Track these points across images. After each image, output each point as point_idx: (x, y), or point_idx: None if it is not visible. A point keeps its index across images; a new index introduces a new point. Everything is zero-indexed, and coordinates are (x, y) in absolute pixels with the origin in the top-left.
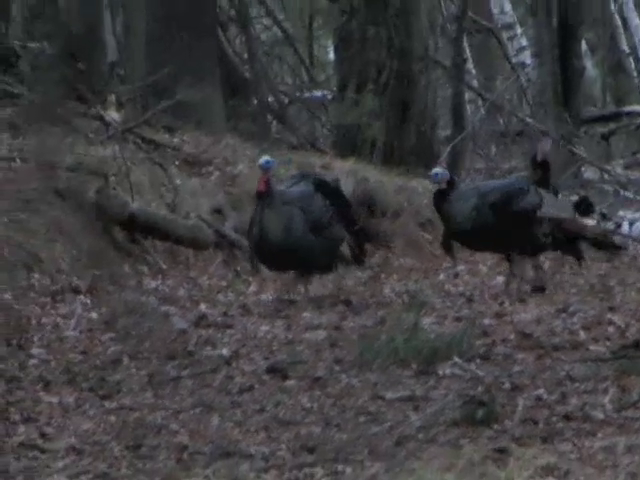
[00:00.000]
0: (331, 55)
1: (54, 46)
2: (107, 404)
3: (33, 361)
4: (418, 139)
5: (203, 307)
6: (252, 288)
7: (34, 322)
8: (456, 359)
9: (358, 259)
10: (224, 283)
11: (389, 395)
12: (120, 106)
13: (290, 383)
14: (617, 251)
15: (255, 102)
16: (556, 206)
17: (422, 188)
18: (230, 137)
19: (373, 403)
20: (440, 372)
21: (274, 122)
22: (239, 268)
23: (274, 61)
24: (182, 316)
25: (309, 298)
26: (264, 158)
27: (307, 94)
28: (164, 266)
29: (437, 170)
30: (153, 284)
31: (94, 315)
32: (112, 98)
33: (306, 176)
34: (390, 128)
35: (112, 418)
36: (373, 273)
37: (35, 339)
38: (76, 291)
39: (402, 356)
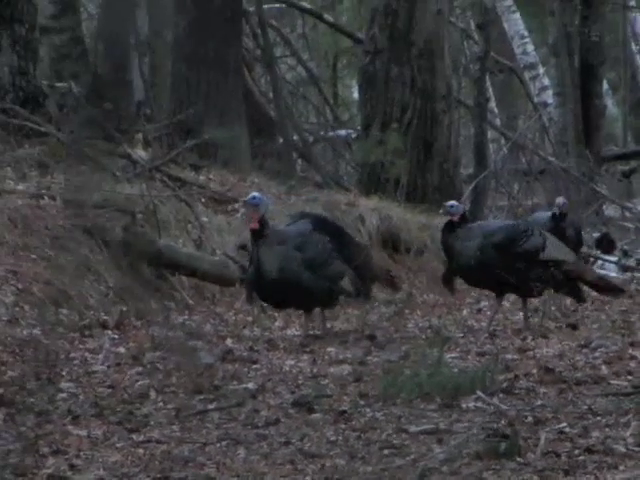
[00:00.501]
0: (355, 94)
1: (81, 86)
2: (135, 437)
3: (62, 395)
4: (441, 177)
5: (229, 342)
6: (278, 323)
7: (63, 357)
8: (479, 393)
9: (362, 293)
10: (250, 318)
11: (413, 428)
12: (147, 144)
13: (315, 416)
14: (618, 294)
15: (280, 141)
16: (559, 249)
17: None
18: (255, 175)
19: (397, 436)
20: (464, 406)
21: (299, 160)
22: (265, 304)
23: (299, 100)
24: (209, 351)
25: (334, 333)
26: (251, 194)
27: (331, 133)
28: (191, 302)
29: (453, 202)
30: (180, 319)
31: (122, 350)
32: (139, 137)
33: (305, 215)
34: (414, 166)
35: (140, 451)
36: (397, 309)
37: (64, 373)
38: (104, 326)
39: (426, 390)
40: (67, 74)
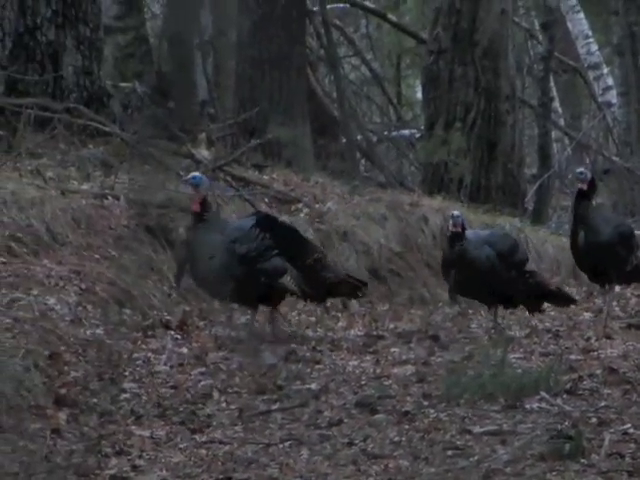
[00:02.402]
0: (419, 94)
1: (145, 85)
2: (198, 438)
3: (125, 395)
4: (505, 177)
5: (293, 342)
6: (341, 324)
7: (126, 357)
8: (543, 394)
9: (307, 295)
10: (313, 319)
11: (477, 429)
12: (210, 144)
13: (379, 417)
14: (571, 304)
15: (344, 141)
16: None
17: (509, 226)
18: (319, 175)
19: (461, 437)
20: (527, 407)
21: (362, 160)
22: (328, 304)
23: (362, 100)
24: (272, 351)
25: (397, 333)
26: (192, 174)
27: (395, 133)
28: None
29: (457, 212)
30: (243, 319)
31: (185, 350)
32: (203, 136)
33: (256, 213)
34: (477, 166)
35: (202, 451)
36: (461, 309)
37: (127, 373)
38: (167, 326)
39: (490, 391)
40: (131, 74)
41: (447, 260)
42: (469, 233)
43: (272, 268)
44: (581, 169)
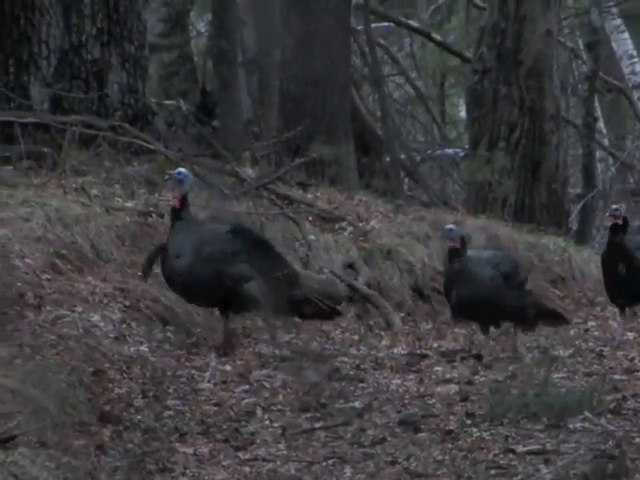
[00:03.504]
0: (462, 113)
1: (189, 103)
2: (241, 455)
3: (169, 412)
4: (549, 197)
5: (336, 360)
6: (384, 342)
7: (170, 374)
8: (587, 413)
9: (271, 306)
10: (356, 337)
11: (520, 449)
12: (255, 162)
13: (422, 436)
14: (565, 323)
15: (387, 159)
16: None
17: (553, 245)
18: (363, 194)
19: (504, 456)
20: (571, 426)
21: (406, 179)
22: (372, 322)
23: (406, 119)
24: (315, 369)
25: (441, 352)
26: (178, 170)
27: (439, 151)
28: (298, 320)
29: (451, 226)
30: (286, 337)
31: (228, 367)
32: (247, 155)
33: (233, 223)
34: (521, 186)
35: (246, 469)
36: (504, 328)
37: (171, 391)
38: (211, 344)
39: (533, 410)
40: (175, 92)
41: (447, 278)
42: (471, 252)
43: (237, 273)
44: (616, 206)
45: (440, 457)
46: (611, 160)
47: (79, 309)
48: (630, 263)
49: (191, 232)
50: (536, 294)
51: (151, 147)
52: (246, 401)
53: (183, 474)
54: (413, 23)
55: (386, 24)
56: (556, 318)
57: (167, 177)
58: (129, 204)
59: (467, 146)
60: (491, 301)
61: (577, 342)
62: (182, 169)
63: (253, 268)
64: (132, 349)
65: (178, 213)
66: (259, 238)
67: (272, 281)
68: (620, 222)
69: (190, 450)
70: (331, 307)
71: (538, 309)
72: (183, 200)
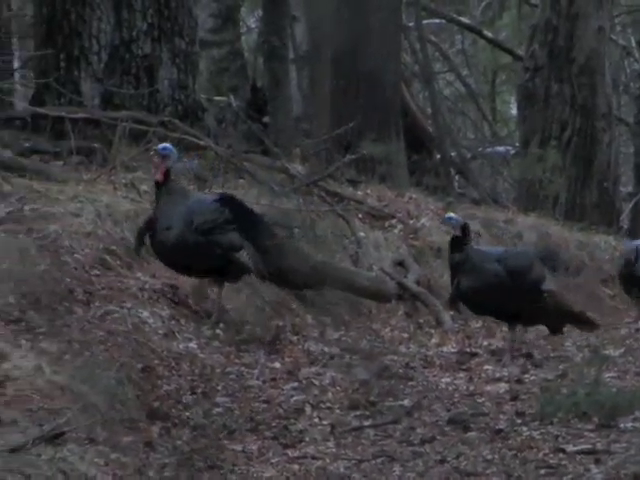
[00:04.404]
0: (513, 111)
1: (240, 100)
2: (290, 453)
3: (217, 409)
4: (600, 195)
5: (385, 358)
6: (434, 340)
7: (218, 371)
8: (637, 413)
9: (261, 275)
10: (406, 335)
11: (570, 448)
12: (305, 159)
13: (471, 435)
14: (594, 328)
15: (438, 157)
16: (551, 280)
17: (604, 244)
18: (413, 191)
19: (554, 456)
20: (621, 426)
21: (457, 177)
22: (421, 320)
23: (457, 116)
24: (364, 367)
25: (491, 351)
26: (163, 145)
27: (490, 149)
28: (347, 317)
29: (451, 215)
30: (336, 335)
31: (277, 365)
32: (297, 151)
33: (224, 193)
34: (572, 184)
35: (295, 467)
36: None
37: (219, 388)
38: (260, 341)
39: (583, 410)
40: (226, 88)
41: (450, 266)
42: (483, 248)
43: (227, 241)
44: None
45: (489, 456)
46: None
47: (128, 305)
48: None
49: (178, 204)
50: (560, 296)
51: (201, 143)
52: (295, 398)
53: (232, 471)
54: (465, 20)
55: (437, 21)
56: (583, 322)
57: (152, 152)
58: None
59: (518, 144)
60: (492, 296)
61: (628, 341)
62: (167, 144)
63: (242, 237)
64: (181, 346)
65: (162, 186)
66: (247, 208)
67: (261, 250)
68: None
69: (239, 447)
70: (320, 281)
71: (562, 311)
72: (167, 174)
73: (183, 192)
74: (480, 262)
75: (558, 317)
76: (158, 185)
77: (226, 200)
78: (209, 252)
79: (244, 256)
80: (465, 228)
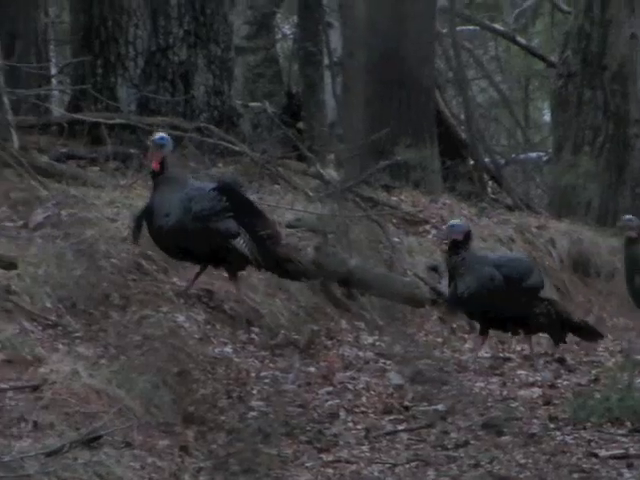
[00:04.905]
0: (546, 117)
1: (275, 105)
2: (324, 457)
3: (253, 413)
4: (633, 201)
5: (419, 363)
6: (467, 345)
7: (253, 375)
8: None
9: (258, 263)
10: (440, 340)
11: (603, 453)
12: (339, 165)
13: (505, 439)
14: (598, 339)
15: (472, 163)
16: (549, 288)
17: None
18: (447, 197)
19: (587, 461)
20: None
21: (490, 183)
22: (455, 325)
23: (490, 122)
24: (399, 371)
25: (524, 356)
26: (159, 134)
27: (523, 155)
28: (381, 322)
29: (455, 222)
30: (370, 340)
31: (312, 369)
32: (331, 157)
33: (221, 181)
34: (605, 190)
35: (329, 471)
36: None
37: (255, 392)
38: (294, 345)
39: (616, 415)
40: (261, 94)
41: (447, 269)
42: (482, 253)
43: (225, 228)
44: (630, 216)
45: (523, 460)
46: None
47: (164, 310)
48: None
49: (176, 191)
50: (561, 305)
51: (236, 149)
52: (329, 403)
53: (267, 475)
54: (498, 26)
55: (471, 27)
56: (586, 332)
57: (149, 142)
58: None
59: (551, 150)
60: (488, 300)
61: None
62: (163, 134)
63: (239, 225)
64: (217, 350)
65: (159, 175)
66: (244, 196)
67: (257, 238)
68: (634, 235)
69: (274, 451)
70: (312, 271)
71: (563, 320)
72: (163, 162)
73: (181, 180)
74: (476, 265)
75: (559, 326)
76: (155, 174)
77: (224, 188)
78: (206, 238)
79: (240, 244)
80: (468, 233)
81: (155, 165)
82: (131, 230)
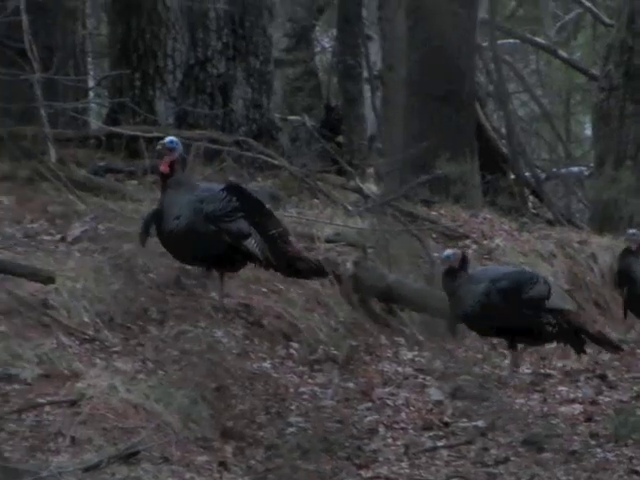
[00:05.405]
0: (587, 131)
1: (314, 119)
2: (363, 473)
3: (291, 429)
4: None
5: (459, 379)
6: (507, 361)
7: (292, 391)
8: None
9: (269, 263)
10: (480, 355)
11: None
12: (379, 179)
13: (546, 456)
14: (614, 350)
15: (512, 177)
16: (563, 298)
17: None
18: (487, 211)
19: (628, 478)
20: None
21: (531, 197)
22: (495, 341)
23: (531, 136)
24: (438, 387)
25: (565, 372)
26: (169, 138)
27: (564, 170)
28: (420, 337)
29: (449, 252)
30: (409, 355)
31: (351, 385)
32: (371, 171)
33: (228, 182)
34: None
35: None
36: (629, 348)
37: (293, 407)
38: (333, 361)
39: None
40: (300, 107)
41: (447, 294)
42: (480, 269)
43: (237, 229)
44: (633, 230)
45: (564, 477)
46: None
47: (202, 325)
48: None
49: (186, 193)
50: (574, 315)
51: (275, 162)
52: (369, 419)
53: None
54: (539, 40)
55: (512, 41)
56: (603, 343)
57: (159, 146)
58: None
59: (592, 164)
60: (489, 316)
61: None
62: (172, 137)
63: (250, 225)
64: (255, 365)
65: (169, 178)
66: (253, 196)
67: (268, 238)
68: (634, 247)
69: (312, 467)
70: (319, 265)
71: (577, 331)
72: (172, 165)
73: (190, 183)
74: (472, 285)
75: (573, 336)
76: (164, 177)
77: (233, 188)
78: (218, 240)
79: (252, 244)
80: (463, 259)
81: (164, 168)
82: (139, 233)
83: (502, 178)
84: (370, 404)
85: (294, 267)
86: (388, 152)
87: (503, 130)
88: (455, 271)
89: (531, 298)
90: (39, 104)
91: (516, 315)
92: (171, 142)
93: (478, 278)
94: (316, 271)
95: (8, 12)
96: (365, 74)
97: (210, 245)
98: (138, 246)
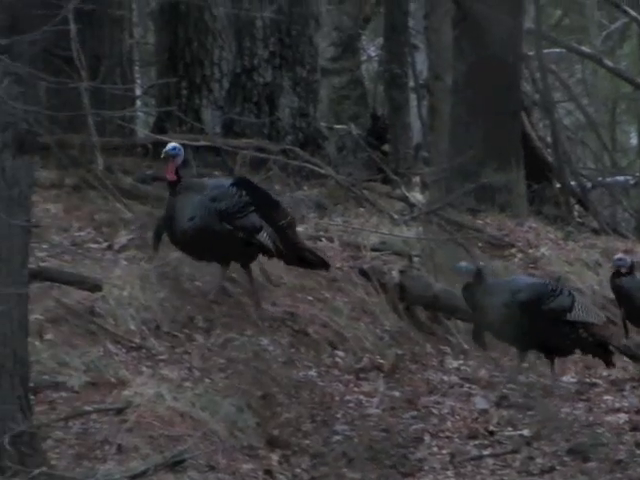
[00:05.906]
0: (633, 140)
1: (360, 128)
2: None
3: (337, 437)
4: None
5: (505, 388)
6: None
7: (338, 399)
8: None
9: (280, 254)
10: (525, 364)
11: None
12: (424, 188)
13: (591, 465)
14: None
15: (558, 186)
16: (588, 311)
17: None
18: (533, 220)
19: None
20: None
21: (576, 206)
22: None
23: (577, 145)
24: (484, 396)
25: (610, 381)
26: (171, 145)
27: (609, 179)
28: (466, 346)
29: (462, 264)
30: (455, 364)
31: (396, 393)
32: (417, 180)
33: (234, 176)
34: None
35: None
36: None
37: (339, 416)
38: (379, 369)
39: None
40: (346, 116)
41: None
42: (502, 280)
43: (250, 224)
44: (620, 256)
45: None
46: None
47: (248, 333)
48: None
49: (196, 194)
50: (600, 329)
51: (322, 172)
52: (414, 427)
53: None
54: (585, 49)
55: (558, 50)
56: (629, 355)
57: (163, 155)
58: (299, 228)
59: (638, 173)
60: (510, 326)
61: None
62: (175, 144)
63: (261, 217)
64: (301, 373)
65: (176, 185)
66: (259, 187)
67: (278, 228)
68: (624, 271)
69: (358, 476)
70: (322, 257)
71: (602, 343)
72: (177, 172)
73: (198, 184)
74: (492, 297)
75: (596, 349)
76: (171, 184)
77: (241, 182)
78: (233, 236)
79: (264, 237)
80: (479, 273)
81: (171, 175)
82: (151, 240)
83: (548, 187)
84: (415, 413)
85: (305, 258)
86: (434, 161)
87: (549, 139)
88: (471, 285)
89: (551, 310)
90: (87, 112)
91: (536, 326)
92: (173, 149)
93: (499, 289)
94: (321, 262)
95: (56, 21)
96: (411, 83)
97: (225, 242)
98: (185, 255)
